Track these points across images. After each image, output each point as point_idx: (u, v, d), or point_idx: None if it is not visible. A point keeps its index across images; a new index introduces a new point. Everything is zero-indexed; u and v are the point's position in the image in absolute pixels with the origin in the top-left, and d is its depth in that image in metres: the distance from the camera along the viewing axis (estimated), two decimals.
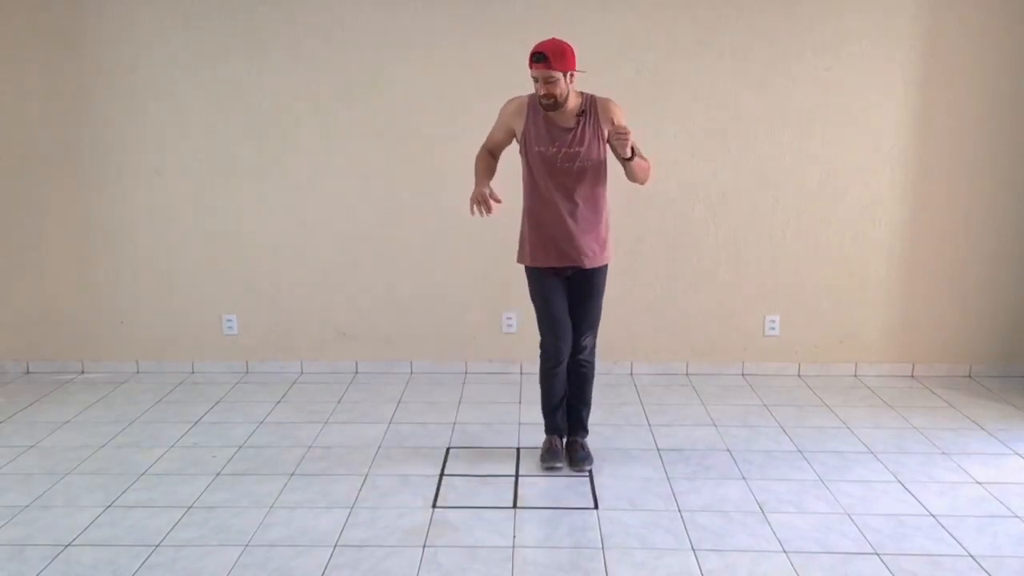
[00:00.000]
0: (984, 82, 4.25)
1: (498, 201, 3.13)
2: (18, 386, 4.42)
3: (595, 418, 3.86)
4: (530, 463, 3.38)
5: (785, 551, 2.70)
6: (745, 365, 4.57)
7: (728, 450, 3.53)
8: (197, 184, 4.44)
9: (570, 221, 3.12)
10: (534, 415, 3.65)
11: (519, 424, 3.83)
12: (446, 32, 4.25)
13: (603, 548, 2.71)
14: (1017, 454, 3.49)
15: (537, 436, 3.52)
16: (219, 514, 2.95)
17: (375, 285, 4.53)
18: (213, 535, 2.81)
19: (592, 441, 3.47)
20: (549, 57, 2.92)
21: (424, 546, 2.73)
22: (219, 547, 2.73)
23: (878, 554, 2.68)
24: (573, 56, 2.98)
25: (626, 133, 3.00)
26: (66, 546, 2.74)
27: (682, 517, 2.92)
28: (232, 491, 3.13)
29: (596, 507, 3.00)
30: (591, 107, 3.11)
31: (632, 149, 3.04)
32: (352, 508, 2.99)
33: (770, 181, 4.37)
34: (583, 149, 3.08)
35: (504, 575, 2.56)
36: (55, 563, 2.64)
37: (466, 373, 4.59)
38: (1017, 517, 2.93)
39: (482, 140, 3.31)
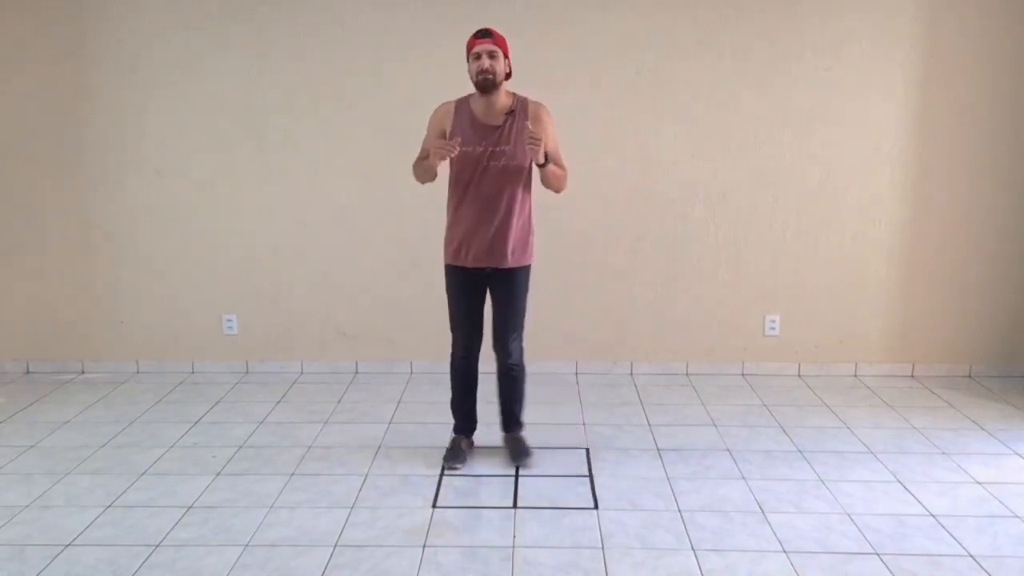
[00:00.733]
0: (984, 82, 4.25)
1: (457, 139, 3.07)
2: (18, 386, 4.42)
3: (595, 418, 3.88)
4: (530, 463, 3.38)
5: (785, 551, 2.70)
6: (745, 365, 4.57)
7: (728, 450, 3.53)
8: (197, 184, 4.44)
9: (493, 221, 3.14)
10: (534, 415, 3.65)
11: None
12: (446, 32, 4.24)
13: (603, 548, 2.71)
14: (1017, 454, 3.49)
15: (538, 435, 3.53)
16: (219, 514, 2.95)
17: (375, 285, 4.53)
18: (213, 535, 2.81)
19: (592, 441, 3.47)
20: (492, 33, 3.06)
21: (424, 546, 2.73)
22: (219, 547, 2.73)
23: (878, 554, 2.68)
24: (508, 47, 3.11)
25: (538, 140, 2.99)
26: (66, 546, 2.74)
27: (682, 517, 2.92)
28: (232, 491, 3.13)
29: (596, 507, 3.00)
30: (521, 108, 3.15)
31: (546, 156, 3.07)
32: (352, 508, 2.99)
33: (770, 181, 4.37)
34: (509, 148, 3.11)
35: (504, 575, 2.56)
36: (55, 563, 2.64)
37: None
38: (1017, 517, 2.93)
39: None
